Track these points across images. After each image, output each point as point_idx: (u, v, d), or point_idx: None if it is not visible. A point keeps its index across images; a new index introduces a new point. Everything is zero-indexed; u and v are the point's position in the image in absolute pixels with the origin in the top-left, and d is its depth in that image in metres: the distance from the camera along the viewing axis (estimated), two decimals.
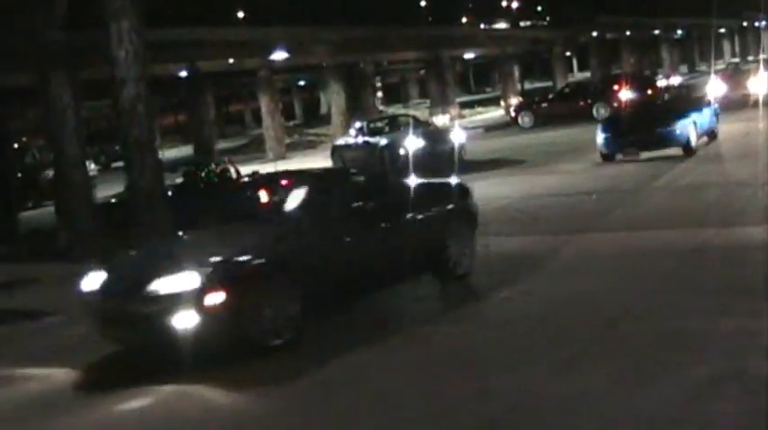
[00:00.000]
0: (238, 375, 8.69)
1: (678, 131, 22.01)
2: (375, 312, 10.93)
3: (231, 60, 39.01)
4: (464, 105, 60.58)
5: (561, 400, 7.06)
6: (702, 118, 23.65)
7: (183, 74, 38.49)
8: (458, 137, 27.69)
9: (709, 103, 25.45)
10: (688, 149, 21.99)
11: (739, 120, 27.66)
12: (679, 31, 77.11)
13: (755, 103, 29.95)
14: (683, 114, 22.68)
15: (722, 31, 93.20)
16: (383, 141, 27.77)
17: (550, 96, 45.15)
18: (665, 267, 11.00)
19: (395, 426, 7.11)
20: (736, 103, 32.97)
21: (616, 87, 39.32)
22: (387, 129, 29.92)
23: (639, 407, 6.72)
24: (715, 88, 33.76)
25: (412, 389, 7.80)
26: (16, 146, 37.79)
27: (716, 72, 45.17)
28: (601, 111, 37.29)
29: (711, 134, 24.46)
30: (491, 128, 43.33)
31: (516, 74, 63.27)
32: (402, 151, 26.46)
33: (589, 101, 39.01)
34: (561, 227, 14.98)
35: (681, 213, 14.77)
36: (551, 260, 12.53)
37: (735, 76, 41.86)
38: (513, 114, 42.66)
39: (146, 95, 16.36)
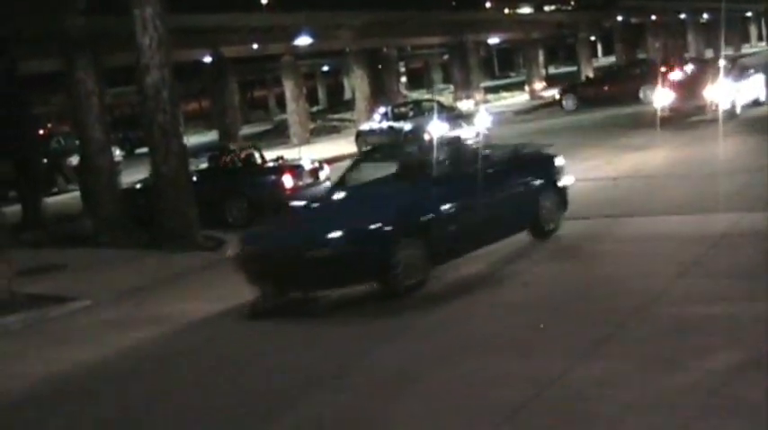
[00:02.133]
0: None
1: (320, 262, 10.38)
2: None
3: (255, 46, 38.97)
4: (488, 90, 60.37)
5: (588, 384, 7.02)
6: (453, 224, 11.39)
7: (207, 59, 38.50)
8: (482, 121, 27.58)
9: (524, 168, 12.99)
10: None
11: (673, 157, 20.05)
12: (705, 15, 76.36)
13: (714, 120, 23.92)
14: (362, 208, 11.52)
15: (749, 15, 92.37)
16: (407, 126, 27.73)
17: (592, 78, 44.65)
18: None
19: None
20: (683, 125, 25.47)
21: (664, 69, 38.71)
22: (411, 114, 29.90)
23: (667, 392, 6.68)
24: (661, 98, 27.69)
25: None
26: (41, 132, 38.02)
27: (663, 68, 36.46)
28: (647, 94, 36.57)
29: (541, 231, 12.80)
30: (530, 110, 43.68)
31: (541, 58, 62.84)
32: (426, 136, 26.41)
33: (635, 83, 38.35)
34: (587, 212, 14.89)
35: None
36: (578, 244, 12.49)
37: (694, 77, 30.47)
38: (557, 97, 42.30)
39: (170, 81, 16.40)
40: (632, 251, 11.56)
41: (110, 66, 26.36)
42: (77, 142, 20.46)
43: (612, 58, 70.50)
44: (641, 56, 63.83)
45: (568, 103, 40.33)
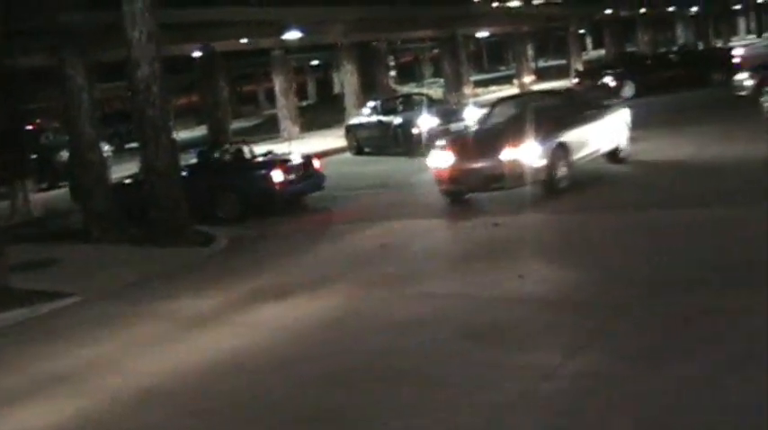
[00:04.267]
0: None
1: None
2: None
3: (245, 40, 38.90)
4: (478, 84, 60.37)
5: (598, 374, 7.10)
6: None
7: (197, 54, 38.42)
8: (471, 115, 27.55)
9: None
10: None
11: None
12: (694, 8, 76.48)
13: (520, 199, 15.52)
14: None
15: (737, 7, 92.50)
16: (397, 120, 27.68)
17: (651, 64, 42.80)
18: None
19: None
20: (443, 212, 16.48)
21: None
22: (401, 107, 29.83)
23: (680, 380, 6.74)
24: (436, 160, 16.65)
25: None
26: (30, 127, 37.92)
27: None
28: (715, 77, 35.53)
29: None
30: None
31: (530, 52, 62.84)
32: (416, 130, 26.41)
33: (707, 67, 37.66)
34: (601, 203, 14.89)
35: None
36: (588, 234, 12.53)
37: (499, 124, 18.10)
38: (612, 84, 39.58)
39: (160, 76, 16.40)
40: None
41: (100, 61, 26.28)
42: (67, 137, 20.41)
43: (602, 52, 70.50)
44: (631, 49, 63.88)
45: (626, 90, 38.46)
